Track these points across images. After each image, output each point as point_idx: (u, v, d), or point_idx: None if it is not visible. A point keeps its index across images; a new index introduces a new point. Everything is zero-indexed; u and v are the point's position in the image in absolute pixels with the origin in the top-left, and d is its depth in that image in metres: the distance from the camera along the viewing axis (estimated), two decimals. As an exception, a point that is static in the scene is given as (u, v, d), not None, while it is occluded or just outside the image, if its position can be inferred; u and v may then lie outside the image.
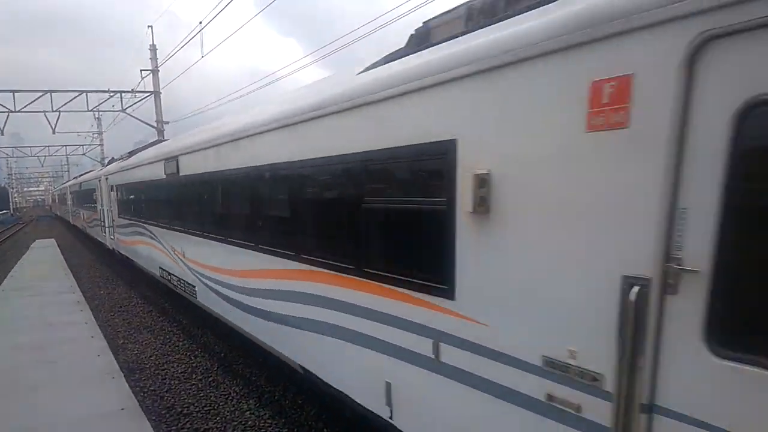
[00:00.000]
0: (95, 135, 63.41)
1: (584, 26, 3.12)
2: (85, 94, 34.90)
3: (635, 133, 2.91)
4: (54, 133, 39.28)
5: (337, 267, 5.84)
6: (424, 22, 5.18)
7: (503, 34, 3.71)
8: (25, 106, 33.96)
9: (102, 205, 24.89)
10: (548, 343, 3.54)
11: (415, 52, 4.81)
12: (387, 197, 5.01)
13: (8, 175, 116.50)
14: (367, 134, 5.11)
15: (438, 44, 4.56)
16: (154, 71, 33.89)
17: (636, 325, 2.99)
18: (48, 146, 67.14)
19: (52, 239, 35.73)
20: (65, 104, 34.62)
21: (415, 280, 4.67)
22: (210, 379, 9.59)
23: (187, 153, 11.11)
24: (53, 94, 34.02)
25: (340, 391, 6.10)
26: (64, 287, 16.72)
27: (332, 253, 5.96)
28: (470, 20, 4.53)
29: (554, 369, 3.51)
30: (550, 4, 3.57)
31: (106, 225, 23.91)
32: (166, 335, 12.48)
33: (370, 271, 5.29)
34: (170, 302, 15.23)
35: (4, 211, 79.32)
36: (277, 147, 6.99)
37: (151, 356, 10.97)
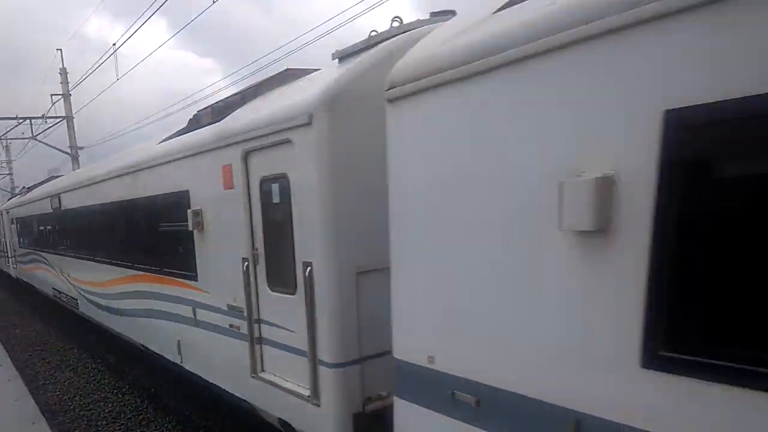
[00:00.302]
0: (4, 164, 60.04)
1: (220, 138, 6.41)
2: (-9, 121, 33.07)
3: (236, 190, 6.15)
4: (-43, 163, 36.91)
5: (151, 270, 9.15)
6: (198, 111, 8.05)
7: (199, 134, 7.15)
8: None
9: (4, 237, 26.77)
10: (228, 296, 6.63)
11: (186, 132, 7.83)
12: (168, 223, 8.22)
13: None
14: (159, 183, 8.39)
15: (194, 130, 7.54)
16: (66, 96, 32.41)
17: (247, 280, 6.10)
18: (-50, 177, 63.00)
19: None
20: (-32, 133, 32.68)
21: (183, 272, 7.85)
22: (140, 417, 9.21)
23: (65, 192, 14.31)
24: (-46, 122, 32.03)
25: (161, 355, 9.26)
26: (-26, 328, 15.71)
27: (147, 261, 9.29)
28: (213, 115, 7.26)
29: (231, 310, 6.60)
30: (221, 121, 6.69)
31: (9, 255, 25.70)
32: (90, 373, 11.89)
33: (166, 269, 8.55)
34: (93, 337, 14.53)
35: None
36: (114, 191, 10.43)
37: (75, 397, 10.41)
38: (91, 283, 12.75)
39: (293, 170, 5.27)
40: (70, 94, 32.56)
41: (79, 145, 33.04)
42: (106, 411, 9.59)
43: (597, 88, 2.81)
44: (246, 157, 5.93)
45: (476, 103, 3.43)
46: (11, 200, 27.38)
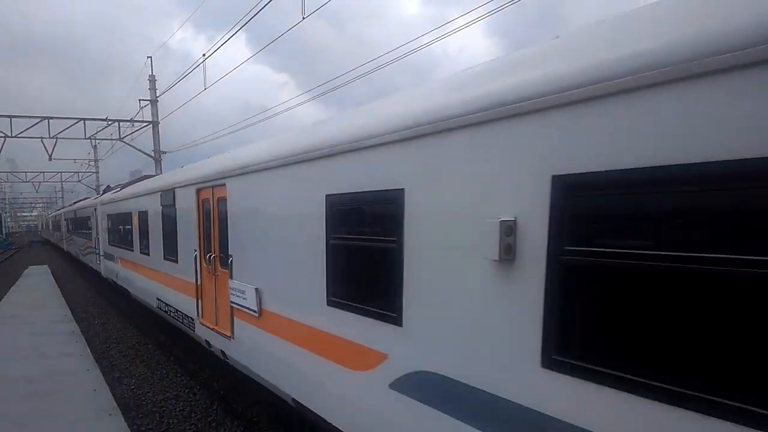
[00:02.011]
0: (91, 162, 63.25)
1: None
2: (82, 121, 34.91)
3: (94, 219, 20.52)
4: (51, 159, 39.11)
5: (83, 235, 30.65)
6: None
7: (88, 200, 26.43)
8: (22, 132, 33.88)
9: (63, 228, 48.03)
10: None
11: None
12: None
13: (2, 199, 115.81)
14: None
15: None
16: (153, 101, 33.92)
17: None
18: (43, 172, 67.03)
19: (46, 266, 35.35)
20: (62, 131, 34.58)
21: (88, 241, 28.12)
22: (210, 418, 9.31)
23: (75, 209, 35.74)
24: (51, 120, 33.99)
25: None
26: (58, 316, 16.44)
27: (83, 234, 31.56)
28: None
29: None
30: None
31: (64, 238, 46.77)
32: (163, 370, 12.19)
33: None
34: (165, 335, 14.95)
35: (-3, 236, 78.55)
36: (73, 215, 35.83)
37: (148, 392, 10.68)
38: (79, 245, 32.74)
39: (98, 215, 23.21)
40: (157, 100, 33.94)
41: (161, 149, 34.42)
42: (177, 409, 9.77)
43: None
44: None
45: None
46: (65, 208, 50.58)
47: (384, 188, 4.86)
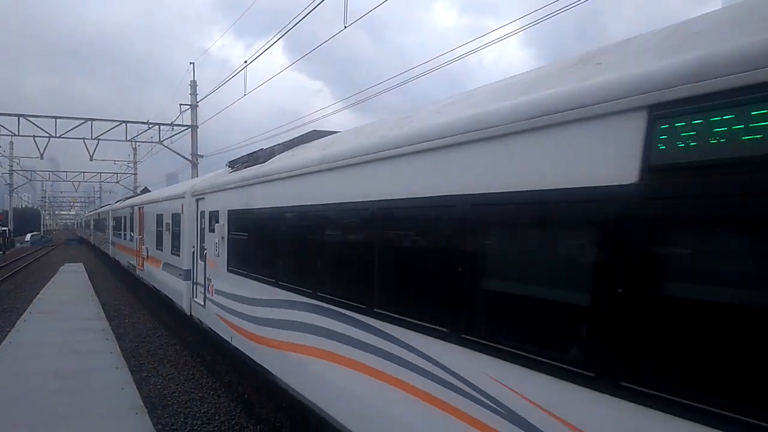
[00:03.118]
0: (130, 164, 64.58)
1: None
2: (124, 124, 35.75)
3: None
4: (92, 160, 40.08)
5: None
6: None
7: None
8: (65, 133, 34.85)
9: (91, 227, 60.63)
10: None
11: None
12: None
13: (42, 197, 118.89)
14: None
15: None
16: (193, 106, 34.50)
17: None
18: (83, 172, 68.74)
19: (81, 263, 36.10)
20: (104, 133, 35.46)
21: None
22: (233, 422, 9.34)
23: (98, 213, 53.21)
24: (93, 122, 34.88)
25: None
26: (90, 313, 16.73)
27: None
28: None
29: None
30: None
31: (91, 234, 59.71)
32: (189, 371, 12.31)
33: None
34: (194, 336, 15.10)
35: (35, 233, 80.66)
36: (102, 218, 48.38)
37: (174, 392, 10.78)
38: (99, 238, 47.41)
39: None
40: (197, 105, 34.50)
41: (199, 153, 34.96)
42: (202, 411, 9.83)
43: None
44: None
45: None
46: (92, 212, 65.24)
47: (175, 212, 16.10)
